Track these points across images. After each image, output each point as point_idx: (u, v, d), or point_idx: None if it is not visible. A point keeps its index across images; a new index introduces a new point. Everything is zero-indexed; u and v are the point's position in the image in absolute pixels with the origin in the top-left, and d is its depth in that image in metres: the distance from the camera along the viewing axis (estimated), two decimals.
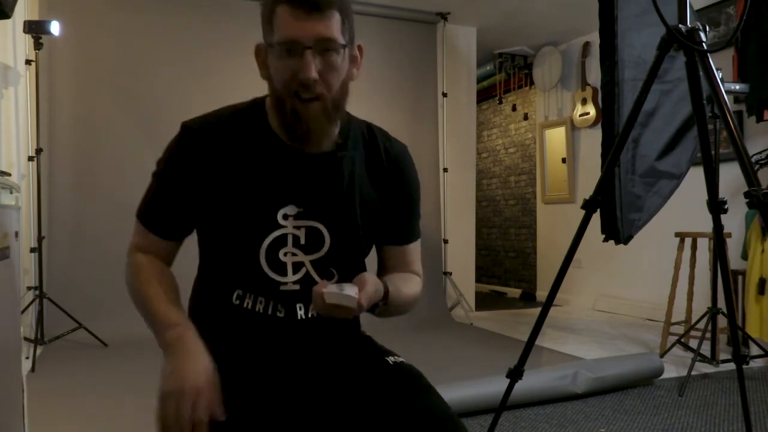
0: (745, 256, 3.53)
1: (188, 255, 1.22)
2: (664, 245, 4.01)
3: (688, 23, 1.60)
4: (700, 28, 1.57)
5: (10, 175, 1.90)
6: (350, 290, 0.96)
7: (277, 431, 1.06)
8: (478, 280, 6.27)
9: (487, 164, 7.15)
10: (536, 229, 6.25)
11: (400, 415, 1.00)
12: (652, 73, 1.64)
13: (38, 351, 3.26)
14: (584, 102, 5.42)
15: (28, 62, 3.55)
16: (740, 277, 3.56)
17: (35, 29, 3.34)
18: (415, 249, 1.25)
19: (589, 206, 1.72)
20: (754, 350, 3.23)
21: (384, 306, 1.07)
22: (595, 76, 5.31)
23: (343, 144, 1.13)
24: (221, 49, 4.27)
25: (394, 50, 4.78)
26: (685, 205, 3.30)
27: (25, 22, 3.35)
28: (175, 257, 1.16)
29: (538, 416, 2.48)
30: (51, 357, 3.36)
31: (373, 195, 1.16)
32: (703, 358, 3.21)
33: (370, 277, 1.03)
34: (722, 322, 3.24)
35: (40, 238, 3.48)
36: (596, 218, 1.87)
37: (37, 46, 3.38)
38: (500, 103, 6.66)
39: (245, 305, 1.09)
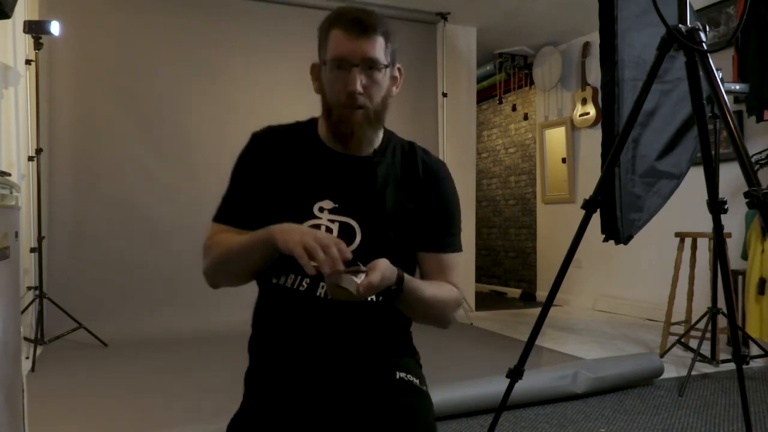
0: (745, 256, 3.53)
1: None
2: (664, 245, 4.01)
3: (688, 23, 1.60)
4: (700, 28, 1.56)
5: (10, 175, 1.90)
6: (358, 276, 0.99)
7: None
8: (478, 280, 6.27)
9: (487, 164, 7.15)
10: (536, 229, 6.25)
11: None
12: (652, 73, 1.64)
13: (38, 351, 3.25)
14: (584, 102, 5.42)
15: (28, 62, 3.54)
16: (740, 277, 3.56)
17: (35, 29, 3.34)
18: (451, 260, 1.28)
19: (589, 206, 1.72)
20: (754, 350, 3.22)
21: (399, 293, 1.10)
22: (595, 76, 5.31)
23: (381, 151, 1.27)
24: (221, 49, 4.26)
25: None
26: (685, 205, 3.30)
27: (25, 22, 3.35)
28: None
29: (538, 416, 2.49)
30: (51, 357, 3.36)
31: (405, 200, 1.26)
32: (703, 358, 3.21)
33: (382, 264, 1.05)
34: (722, 322, 3.24)
35: (40, 238, 3.48)
36: (596, 218, 1.87)
37: (37, 46, 3.38)
38: (500, 103, 6.65)
39: (280, 282, 1.20)
